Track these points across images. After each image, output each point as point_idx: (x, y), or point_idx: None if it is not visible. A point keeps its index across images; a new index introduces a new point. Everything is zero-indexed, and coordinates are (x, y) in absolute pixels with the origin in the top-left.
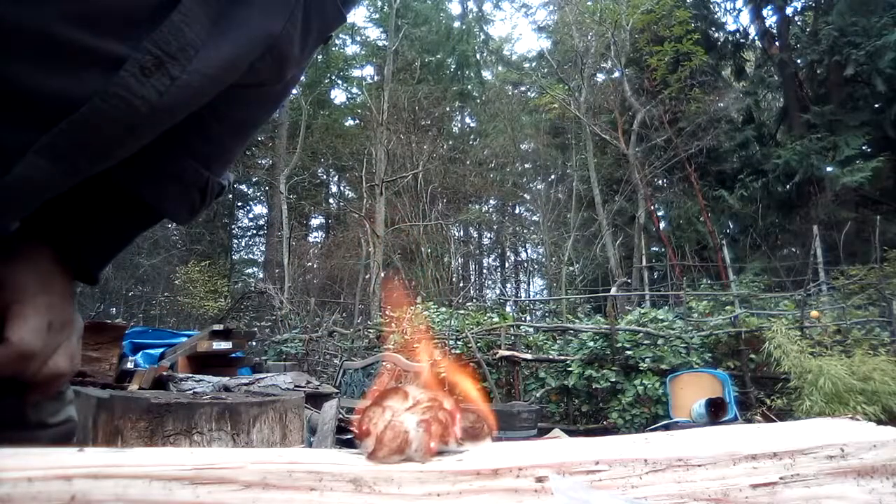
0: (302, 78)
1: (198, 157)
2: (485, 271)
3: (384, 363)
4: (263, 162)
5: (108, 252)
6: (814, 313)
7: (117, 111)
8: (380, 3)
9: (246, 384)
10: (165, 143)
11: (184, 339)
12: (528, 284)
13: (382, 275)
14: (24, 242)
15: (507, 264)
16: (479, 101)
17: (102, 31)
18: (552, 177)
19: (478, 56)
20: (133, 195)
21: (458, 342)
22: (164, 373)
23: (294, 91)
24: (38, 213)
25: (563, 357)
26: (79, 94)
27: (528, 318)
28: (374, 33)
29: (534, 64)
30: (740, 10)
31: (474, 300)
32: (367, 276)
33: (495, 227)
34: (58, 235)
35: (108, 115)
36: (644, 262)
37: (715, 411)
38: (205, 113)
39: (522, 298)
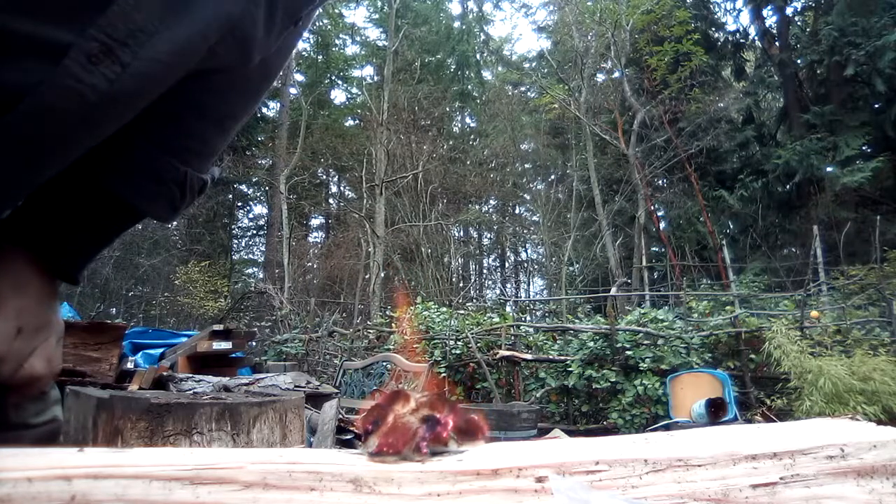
0: (302, 78)
1: (174, 153)
2: (485, 271)
3: (387, 364)
4: (263, 162)
5: (88, 252)
6: (814, 313)
7: (65, 101)
8: (380, 3)
9: (246, 384)
10: (138, 138)
11: (184, 340)
12: (528, 284)
13: (382, 275)
14: None
15: (507, 264)
16: (479, 101)
17: (44, 17)
18: (552, 177)
19: (478, 56)
20: (111, 194)
21: (458, 342)
22: (164, 373)
23: (294, 91)
24: (14, 214)
25: (563, 357)
26: (24, 85)
27: (528, 318)
28: (373, 33)
29: (534, 64)
30: (740, 10)
31: (474, 300)
32: (367, 276)
33: (495, 227)
34: (36, 236)
35: (56, 106)
36: (644, 263)
37: (715, 411)
38: (178, 105)
39: (522, 298)
